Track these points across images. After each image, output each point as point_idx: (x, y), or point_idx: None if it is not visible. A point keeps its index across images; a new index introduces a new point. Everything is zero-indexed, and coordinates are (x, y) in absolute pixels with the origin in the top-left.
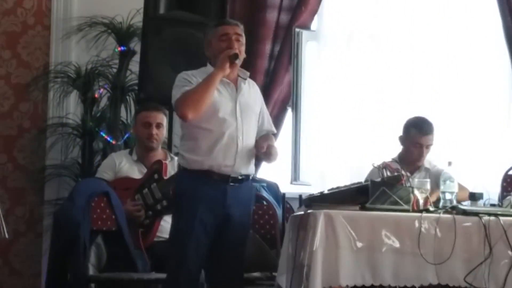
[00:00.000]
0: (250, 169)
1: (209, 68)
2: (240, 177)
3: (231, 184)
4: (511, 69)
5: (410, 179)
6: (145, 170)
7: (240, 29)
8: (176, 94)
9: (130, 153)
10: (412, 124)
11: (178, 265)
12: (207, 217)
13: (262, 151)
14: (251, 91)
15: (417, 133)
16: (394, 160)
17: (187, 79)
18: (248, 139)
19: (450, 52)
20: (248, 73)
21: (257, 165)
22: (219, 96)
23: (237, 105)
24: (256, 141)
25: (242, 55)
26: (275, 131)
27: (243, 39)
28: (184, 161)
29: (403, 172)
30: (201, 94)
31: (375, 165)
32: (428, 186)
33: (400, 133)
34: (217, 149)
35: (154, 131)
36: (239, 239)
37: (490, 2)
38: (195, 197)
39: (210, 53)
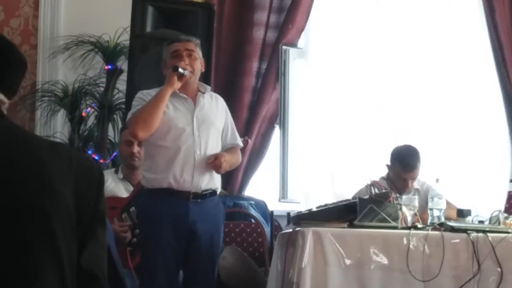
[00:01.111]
0: (213, 184)
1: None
2: (202, 192)
3: (193, 200)
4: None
5: (399, 199)
6: (131, 188)
7: (193, 45)
8: (129, 113)
9: (116, 171)
10: (396, 158)
11: (149, 284)
12: (172, 236)
13: (208, 162)
14: (212, 105)
15: (401, 168)
16: (383, 179)
17: (142, 98)
18: (207, 153)
19: (439, 69)
20: (208, 87)
21: (244, 183)
22: (174, 112)
23: (194, 120)
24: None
25: (197, 70)
26: (240, 144)
27: (196, 54)
28: (145, 180)
29: (393, 191)
30: (150, 111)
31: (365, 184)
32: (416, 203)
33: (388, 156)
34: (174, 165)
35: (136, 149)
36: (209, 254)
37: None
38: (158, 217)
39: (165, 71)
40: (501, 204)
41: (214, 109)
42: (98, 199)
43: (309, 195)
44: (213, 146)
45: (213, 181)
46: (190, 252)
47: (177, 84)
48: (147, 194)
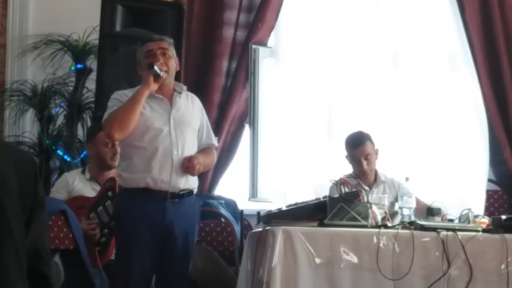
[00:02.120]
0: (190, 184)
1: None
2: (180, 192)
3: (170, 200)
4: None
5: (370, 194)
6: (98, 188)
7: (167, 43)
8: (105, 114)
9: (83, 172)
10: (346, 142)
11: (123, 283)
12: (148, 236)
13: (182, 166)
14: (188, 105)
15: (350, 148)
16: (351, 176)
17: (118, 99)
18: (185, 153)
19: (409, 66)
20: (184, 87)
21: (214, 182)
22: (151, 112)
23: (171, 120)
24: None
25: (172, 69)
26: (215, 144)
27: (170, 52)
28: (122, 180)
29: (363, 186)
30: (126, 112)
31: (333, 181)
32: (386, 202)
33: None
34: (152, 165)
35: (118, 150)
36: (184, 254)
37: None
38: (134, 216)
39: (140, 72)
40: (480, 203)
41: (191, 109)
42: (37, 186)
43: (279, 194)
44: (190, 147)
45: (190, 181)
46: (166, 252)
47: (154, 86)
48: (124, 194)
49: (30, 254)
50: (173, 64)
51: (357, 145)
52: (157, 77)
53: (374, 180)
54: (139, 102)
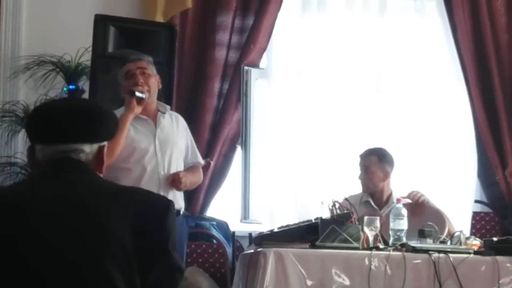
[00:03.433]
0: (176, 204)
1: (123, 109)
2: None
3: None
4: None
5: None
6: None
7: (145, 62)
8: None
9: None
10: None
11: None
12: None
13: (168, 181)
14: (173, 124)
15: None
16: (345, 200)
17: None
18: (171, 172)
19: (401, 85)
20: (168, 107)
21: (206, 203)
22: (136, 134)
23: (156, 141)
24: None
25: (153, 87)
26: (201, 162)
27: (149, 71)
28: None
29: (373, 206)
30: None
31: (324, 203)
32: (378, 224)
33: (349, 176)
34: (140, 186)
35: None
36: None
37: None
38: None
39: (123, 94)
40: (466, 224)
41: (175, 128)
42: (161, 230)
43: (271, 216)
44: (176, 166)
45: (177, 201)
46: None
47: (138, 109)
48: None
49: None
50: (154, 82)
51: (362, 155)
52: (140, 100)
53: (386, 201)
54: (125, 127)
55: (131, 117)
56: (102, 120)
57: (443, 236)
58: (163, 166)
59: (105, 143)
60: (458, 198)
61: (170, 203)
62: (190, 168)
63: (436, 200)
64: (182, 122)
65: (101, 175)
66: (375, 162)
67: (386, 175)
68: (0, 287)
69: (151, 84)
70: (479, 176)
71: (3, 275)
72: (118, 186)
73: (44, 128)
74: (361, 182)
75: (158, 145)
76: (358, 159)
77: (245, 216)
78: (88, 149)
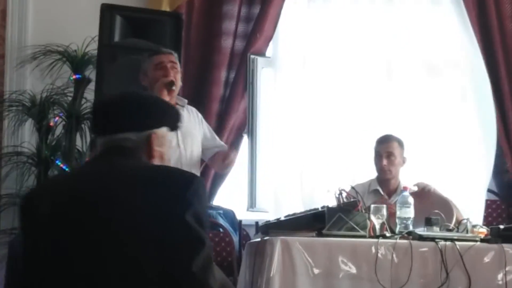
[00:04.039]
0: None
1: None
2: None
3: None
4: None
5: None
6: None
7: (175, 57)
8: None
9: None
10: (376, 140)
11: None
12: None
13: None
14: (190, 117)
15: (376, 144)
16: (376, 178)
17: None
18: (192, 165)
19: (409, 74)
20: (185, 101)
21: (212, 192)
22: None
23: (178, 133)
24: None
25: (178, 82)
26: (225, 146)
27: (178, 67)
28: None
29: (382, 193)
30: None
31: (331, 192)
32: (385, 212)
33: (356, 164)
34: None
35: None
36: None
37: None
38: None
39: (147, 83)
40: (479, 213)
41: (193, 121)
42: (180, 202)
43: (277, 204)
44: (196, 158)
45: None
46: None
47: (167, 99)
48: None
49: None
50: (180, 78)
51: (383, 141)
52: (170, 90)
53: (395, 190)
54: None
55: None
56: (146, 109)
57: (451, 225)
58: (186, 157)
59: (155, 130)
60: (472, 186)
61: (193, 178)
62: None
63: (449, 188)
64: (197, 114)
65: (153, 160)
66: (397, 147)
67: (404, 161)
68: (31, 264)
69: (178, 80)
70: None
71: (35, 253)
72: (151, 167)
73: (96, 122)
74: (378, 168)
75: (180, 137)
76: (375, 145)
77: (251, 205)
78: (135, 137)
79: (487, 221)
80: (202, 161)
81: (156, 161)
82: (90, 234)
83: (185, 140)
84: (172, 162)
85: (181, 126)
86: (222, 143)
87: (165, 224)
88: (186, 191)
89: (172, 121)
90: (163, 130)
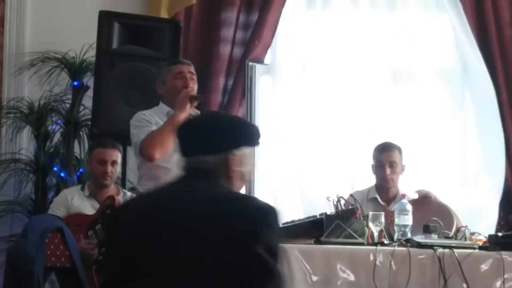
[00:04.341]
0: None
1: (163, 107)
2: None
3: None
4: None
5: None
6: (97, 206)
7: (192, 68)
8: (138, 134)
9: (82, 188)
10: (375, 148)
11: None
12: None
13: None
14: None
15: (377, 152)
16: (374, 186)
17: (147, 120)
18: None
19: (406, 80)
20: (198, 111)
21: None
22: None
23: None
24: None
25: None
26: None
27: (195, 78)
28: None
29: (380, 201)
30: (167, 135)
31: (330, 199)
32: (383, 220)
33: (353, 172)
34: None
35: (109, 168)
36: None
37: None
38: None
39: (164, 91)
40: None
41: None
42: (251, 235)
43: None
44: None
45: None
46: None
47: (189, 111)
48: None
49: None
50: (196, 89)
51: (385, 150)
52: (193, 102)
53: (394, 197)
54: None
55: (183, 117)
56: (223, 131)
57: (451, 233)
58: None
59: (233, 151)
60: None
61: (266, 208)
62: None
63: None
64: None
65: (232, 181)
66: (398, 155)
67: (403, 169)
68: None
69: (195, 91)
70: None
71: (112, 269)
72: (224, 195)
73: (178, 144)
74: (380, 177)
75: None
76: (374, 153)
77: None
78: (213, 159)
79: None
80: None
81: (236, 182)
82: (158, 260)
83: None
84: None
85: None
86: None
87: (235, 255)
88: (258, 222)
89: (251, 139)
90: (243, 150)
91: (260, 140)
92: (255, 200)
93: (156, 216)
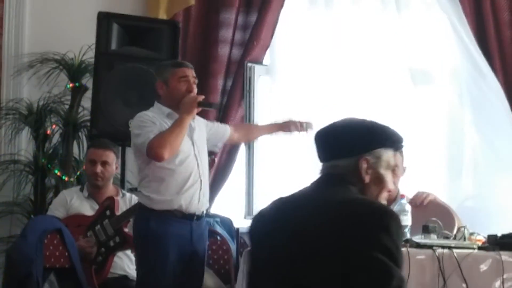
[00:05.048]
0: (207, 204)
1: (162, 108)
2: (202, 213)
3: (196, 221)
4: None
5: None
6: (96, 207)
7: (194, 72)
8: (144, 134)
9: (81, 189)
10: None
11: None
12: (177, 256)
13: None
14: (200, 127)
15: None
16: None
17: (151, 120)
18: (206, 175)
19: (406, 82)
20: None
21: (210, 200)
22: None
23: (194, 145)
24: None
25: None
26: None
27: (197, 82)
28: (150, 201)
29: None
30: (176, 136)
31: None
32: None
33: None
34: (185, 189)
35: (99, 169)
36: (201, 271)
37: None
38: (165, 237)
39: (165, 92)
40: None
41: (202, 132)
42: (367, 239)
43: None
44: (207, 167)
45: (207, 202)
46: (189, 272)
47: (195, 115)
48: (152, 215)
49: None
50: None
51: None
52: (199, 107)
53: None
54: (186, 128)
55: (190, 120)
56: (353, 135)
57: (453, 234)
58: (202, 168)
59: (364, 155)
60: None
61: (384, 212)
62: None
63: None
64: (201, 122)
65: (365, 184)
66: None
67: (404, 170)
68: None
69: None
70: None
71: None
72: (345, 201)
73: (315, 149)
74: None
75: (196, 148)
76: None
77: (249, 213)
78: (343, 163)
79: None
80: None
81: (372, 187)
82: (280, 260)
83: (200, 151)
84: (190, 173)
85: (402, 146)
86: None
87: (354, 258)
88: (375, 226)
89: (386, 142)
90: (378, 153)
91: (402, 144)
92: (373, 204)
93: (283, 221)
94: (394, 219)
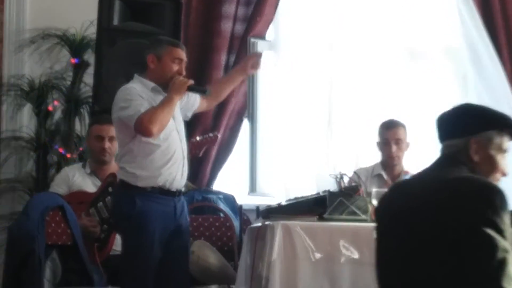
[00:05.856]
0: (185, 180)
1: (146, 81)
2: (182, 189)
3: (177, 197)
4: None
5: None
6: (99, 183)
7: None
8: (133, 107)
9: (84, 166)
10: (380, 125)
11: (137, 282)
12: (162, 232)
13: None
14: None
15: (383, 129)
16: (377, 165)
17: (139, 94)
18: (186, 150)
19: (408, 58)
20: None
21: (212, 176)
22: None
23: (175, 120)
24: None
25: None
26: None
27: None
28: (135, 178)
29: (385, 179)
30: (167, 114)
31: (333, 176)
32: None
33: (355, 149)
34: (170, 165)
35: (107, 144)
36: (188, 249)
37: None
38: (150, 214)
39: (156, 67)
40: None
41: (177, 106)
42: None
43: (278, 189)
44: (185, 142)
45: (186, 177)
46: (171, 247)
47: (183, 95)
48: (135, 192)
49: None
50: None
51: (391, 127)
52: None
53: (399, 175)
54: (174, 108)
55: (178, 100)
56: (466, 116)
57: None
58: (183, 143)
59: (474, 136)
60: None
61: (485, 188)
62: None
63: None
64: None
65: (475, 164)
66: (403, 132)
67: (408, 146)
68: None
69: None
70: None
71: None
72: (452, 180)
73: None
74: (387, 155)
75: (176, 124)
76: (380, 130)
77: (252, 189)
78: (455, 142)
79: None
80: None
81: (484, 167)
82: (395, 236)
83: (179, 127)
84: (174, 147)
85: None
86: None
87: (460, 232)
88: (479, 201)
89: (497, 125)
90: (490, 134)
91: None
92: (478, 181)
93: (398, 200)
94: (498, 193)
